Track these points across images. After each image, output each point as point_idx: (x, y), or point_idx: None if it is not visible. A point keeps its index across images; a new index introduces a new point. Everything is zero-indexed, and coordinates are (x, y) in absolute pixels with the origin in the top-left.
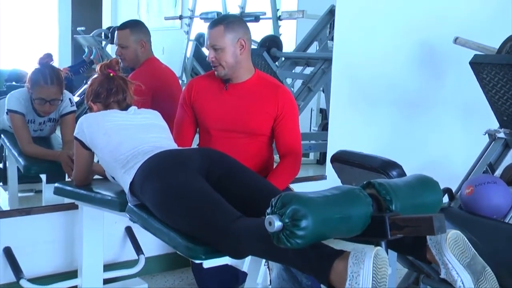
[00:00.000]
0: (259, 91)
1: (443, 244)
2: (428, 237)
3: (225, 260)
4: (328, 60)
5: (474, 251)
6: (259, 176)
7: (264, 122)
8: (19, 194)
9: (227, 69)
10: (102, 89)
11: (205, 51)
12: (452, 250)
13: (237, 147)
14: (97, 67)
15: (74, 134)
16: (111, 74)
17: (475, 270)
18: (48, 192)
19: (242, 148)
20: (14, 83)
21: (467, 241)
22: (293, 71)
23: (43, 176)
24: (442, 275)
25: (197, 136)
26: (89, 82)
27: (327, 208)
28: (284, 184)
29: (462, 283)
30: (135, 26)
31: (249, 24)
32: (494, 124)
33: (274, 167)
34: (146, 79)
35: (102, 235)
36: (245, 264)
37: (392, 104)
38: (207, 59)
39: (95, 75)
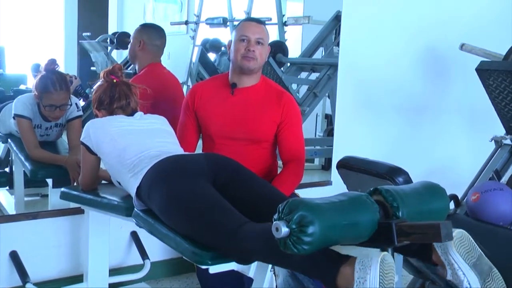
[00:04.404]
0: (263, 97)
1: (448, 243)
2: None
3: (231, 266)
4: (334, 66)
5: (480, 251)
6: (266, 182)
7: (268, 129)
8: (25, 199)
9: (258, 65)
10: (105, 96)
11: (211, 56)
12: (458, 249)
13: (241, 153)
14: (101, 74)
15: (80, 139)
16: (114, 80)
17: (482, 271)
18: (54, 197)
19: (245, 154)
20: (21, 87)
21: (473, 240)
22: (299, 76)
23: (50, 181)
24: (448, 277)
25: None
26: (93, 89)
27: (334, 214)
28: (288, 191)
29: (469, 283)
30: (145, 26)
31: None
32: (501, 131)
33: (278, 173)
34: (145, 84)
35: (108, 239)
36: (251, 269)
37: (398, 110)
38: (241, 50)
39: (99, 82)
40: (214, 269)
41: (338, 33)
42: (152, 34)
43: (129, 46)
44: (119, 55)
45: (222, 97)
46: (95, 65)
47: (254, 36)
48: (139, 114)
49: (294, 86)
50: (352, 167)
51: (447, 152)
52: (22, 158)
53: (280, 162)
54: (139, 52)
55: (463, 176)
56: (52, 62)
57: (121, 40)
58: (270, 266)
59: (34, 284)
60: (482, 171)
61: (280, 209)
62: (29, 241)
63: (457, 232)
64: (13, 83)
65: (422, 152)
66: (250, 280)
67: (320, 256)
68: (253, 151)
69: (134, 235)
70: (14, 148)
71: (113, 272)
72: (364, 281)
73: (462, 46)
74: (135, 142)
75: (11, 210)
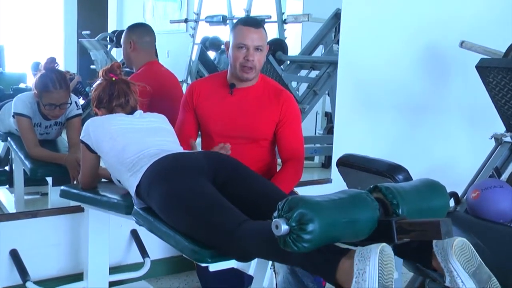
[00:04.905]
0: (262, 96)
1: (449, 251)
2: (434, 244)
3: (231, 264)
4: (334, 64)
5: (480, 260)
6: (265, 180)
7: (267, 127)
8: (25, 197)
9: (256, 72)
10: (104, 94)
11: (211, 54)
12: (458, 257)
13: (240, 152)
14: (100, 73)
15: (80, 138)
16: (113, 79)
17: (481, 279)
18: (54, 195)
19: (244, 153)
20: (20, 85)
21: (474, 249)
22: (299, 74)
23: (49, 179)
24: (447, 283)
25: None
26: (93, 88)
27: (334, 212)
28: (287, 189)
29: None
30: (132, 27)
31: None
32: (501, 128)
33: (277, 171)
34: (143, 82)
35: (107, 238)
36: (251, 267)
37: (398, 107)
38: (239, 58)
39: (99, 81)
40: (214, 267)
41: (337, 31)
42: (139, 32)
43: (122, 51)
44: (119, 54)
45: (220, 96)
46: (95, 64)
47: (253, 44)
48: (138, 112)
49: (294, 84)
50: (352, 165)
51: (447, 150)
52: (22, 157)
53: (279, 160)
54: (132, 53)
55: (463, 174)
56: (52, 61)
57: (120, 38)
58: (270, 264)
59: (34, 282)
60: (482, 169)
61: (280, 207)
62: (29, 240)
63: (458, 241)
64: (12, 82)
65: (422, 150)
66: (250, 278)
67: (319, 251)
68: (252, 149)
69: (134, 233)
70: (14, 147)
71: (113, 270)
72: (363, 273)
73: (462, 44)
74: (135, 141)
75: (11, 208)
